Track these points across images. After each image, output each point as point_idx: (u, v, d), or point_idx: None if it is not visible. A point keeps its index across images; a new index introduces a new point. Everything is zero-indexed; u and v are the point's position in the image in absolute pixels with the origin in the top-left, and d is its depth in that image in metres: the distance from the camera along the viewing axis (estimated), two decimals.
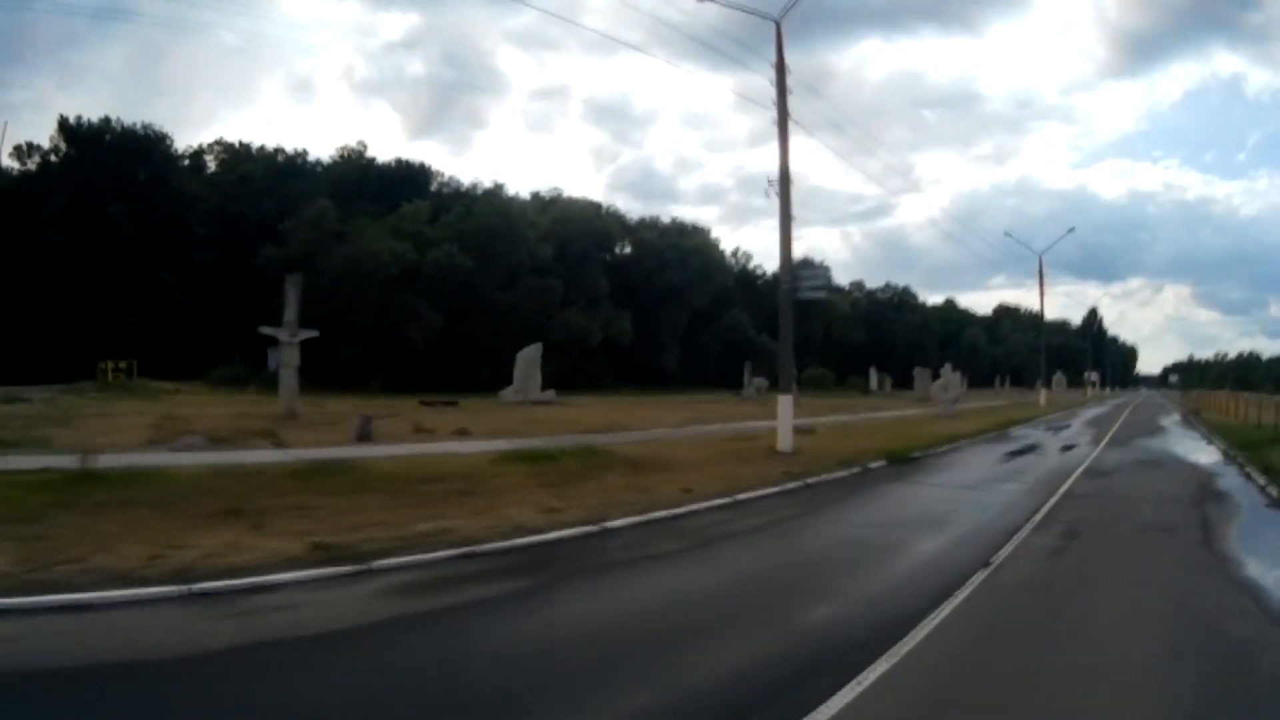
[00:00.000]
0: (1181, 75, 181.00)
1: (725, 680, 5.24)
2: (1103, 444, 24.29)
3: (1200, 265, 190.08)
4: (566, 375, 63.11)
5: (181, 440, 16.20)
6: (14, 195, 54.75)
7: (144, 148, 58.68)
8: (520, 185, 69.18)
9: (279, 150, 69.31)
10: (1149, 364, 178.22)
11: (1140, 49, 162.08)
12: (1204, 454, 22.45)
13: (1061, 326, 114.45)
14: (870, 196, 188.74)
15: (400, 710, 4.74)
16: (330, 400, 35.41)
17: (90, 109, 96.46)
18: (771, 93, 20.29)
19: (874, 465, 17.55)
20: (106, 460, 11.21)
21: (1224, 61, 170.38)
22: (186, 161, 65.44)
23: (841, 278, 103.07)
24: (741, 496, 12.89)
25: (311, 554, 7.96)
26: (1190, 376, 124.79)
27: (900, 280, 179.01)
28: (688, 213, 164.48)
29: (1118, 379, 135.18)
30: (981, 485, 15.17)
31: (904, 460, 18.56)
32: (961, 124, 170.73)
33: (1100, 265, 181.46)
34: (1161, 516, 11.75)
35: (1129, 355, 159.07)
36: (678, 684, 5.17)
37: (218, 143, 68.72)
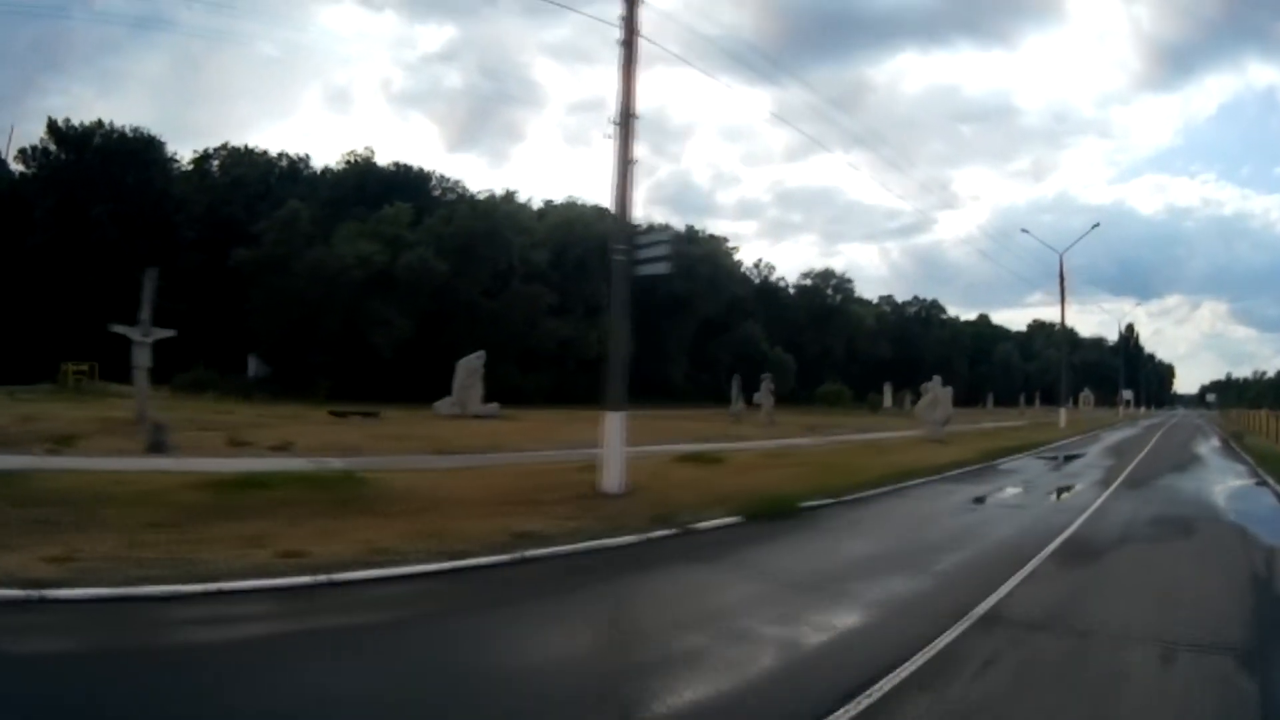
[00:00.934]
0: (1216, 88, 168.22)
1: None
2: (1114, 485, 16.73)
3: (1238, 281, 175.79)
4: (560, 388, 56.72)
5: None
6: (8, 197, 52.25)
7: (132, 151, 55.18)
8: (556, 199, 63.71)
9: (282, 155, 65.02)
10: (1186, 383, 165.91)
11: (1175, 61, 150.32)
12: (1256, 501, 15.07)
13: (1097, 343, 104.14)
14: (907, 212, 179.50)
15: None
16: (277, 408, 31.97)
17: (128, 117, 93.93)
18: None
19: (720, 522, 10.67)
20: None
21: (1258, 73, 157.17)
22: (190, 166, 61.62)
23: (875, 293, 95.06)
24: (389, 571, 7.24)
25: None
26: (1228, 395, 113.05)
27: (939, 297, 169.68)
28: (726, 227, 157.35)
29: (1153, 398, 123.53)
30: (832, 582, 7.89)
31: (782, 514, 11.58)
32: (998, 138, 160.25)
33: (1137, 282, 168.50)
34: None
35: (1165, 373, 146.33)
36: None
37: (223, 147, 64.38)
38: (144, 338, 22.36)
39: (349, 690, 4.69)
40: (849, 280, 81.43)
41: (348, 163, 64.43)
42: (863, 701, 4.55)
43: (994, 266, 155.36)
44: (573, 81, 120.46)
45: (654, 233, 19.51)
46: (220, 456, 14.41)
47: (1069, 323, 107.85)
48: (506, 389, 52.53)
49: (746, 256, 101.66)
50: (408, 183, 61.35)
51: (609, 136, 13.32)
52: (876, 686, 4.77)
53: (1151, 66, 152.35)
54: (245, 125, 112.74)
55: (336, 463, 13.83)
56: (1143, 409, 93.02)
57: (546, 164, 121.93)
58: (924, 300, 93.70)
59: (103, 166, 52.42)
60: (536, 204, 65.53)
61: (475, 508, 10.39)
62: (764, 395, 35.52)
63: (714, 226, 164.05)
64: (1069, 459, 23.52)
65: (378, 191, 57.63)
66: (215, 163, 62.95)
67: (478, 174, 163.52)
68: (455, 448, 18.25)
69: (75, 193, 50.66)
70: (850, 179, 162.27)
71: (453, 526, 8.96)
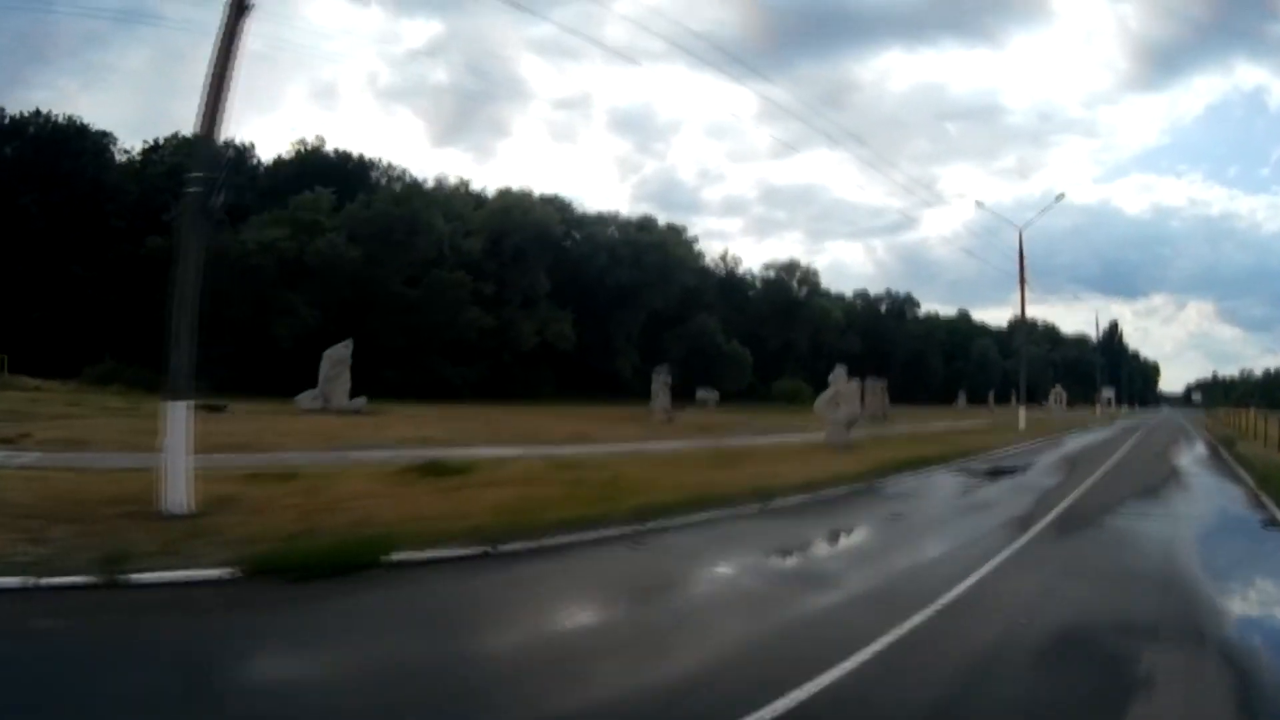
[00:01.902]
0: (1204, 88, 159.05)
1: None
2: (1036, 529, 9.66)
3: (1224, 281, 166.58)
4: (494, 381, 50.06)
5: None
6: None
7: (65, 140, 49.22)
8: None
9: (228, 144, 58.23)
10: (1171, 382, 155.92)
11: (1162, 61, 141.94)
12: (1271, 567, 8.17)
13: (1080, 341, 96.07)
14: (893, 210, 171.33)
15: None
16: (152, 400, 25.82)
17: (112, 110, 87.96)
18: None
19: (198, 574, 5.25)
20: None
21: (1246, 74, 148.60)
22: (139, 156, 55.33)
23: (859, 291, 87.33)
24: None
25: None
26: (1214, 394, 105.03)
27: (924, 295, 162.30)
28: (711, 224, 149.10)
29: (1138, 396, 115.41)
30: None
31: (341, 569, 5.09)
32: (984, 137, 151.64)
33: (1123, 281, 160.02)
34: None
35: (1151, 372, 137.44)
36: None
37: (174, 137, 57.90)
38: None
39: None
40: (815, 272, 74.07)
41: (298, 152, 58.52)
42: None
43: (979, 265, 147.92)
44: (558, 78, 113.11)
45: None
46: None
47: (1052, 319, 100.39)
48: (433, 382, 46.05)
49: (713, 248, 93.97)
50: (348, 170, 54.96)
51: None
52: None
53: (1138, 66, 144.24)
54: (230, 120, 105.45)
55: None
56: (1123, 408, 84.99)
57: (532, 159, 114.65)
58: (896, 294, 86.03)
59: (35, 156, 47.14)
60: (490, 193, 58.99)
61: None
62: (659, 390, 28.67)
63: (699, 223, 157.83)
64: (999, 475, 16.44)
65: (316, 179, 51.13)
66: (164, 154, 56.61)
67: (464, 170, 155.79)
68: (225, 446, 12.86)
69: (5, 182, 45.59)
70: (835, 176, 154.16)
71: None
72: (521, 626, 5.51)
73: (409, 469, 11.41)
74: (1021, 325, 38.31)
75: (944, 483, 14.59)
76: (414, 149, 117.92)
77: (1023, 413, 34.21)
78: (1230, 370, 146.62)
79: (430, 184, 53.96)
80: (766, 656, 4.82)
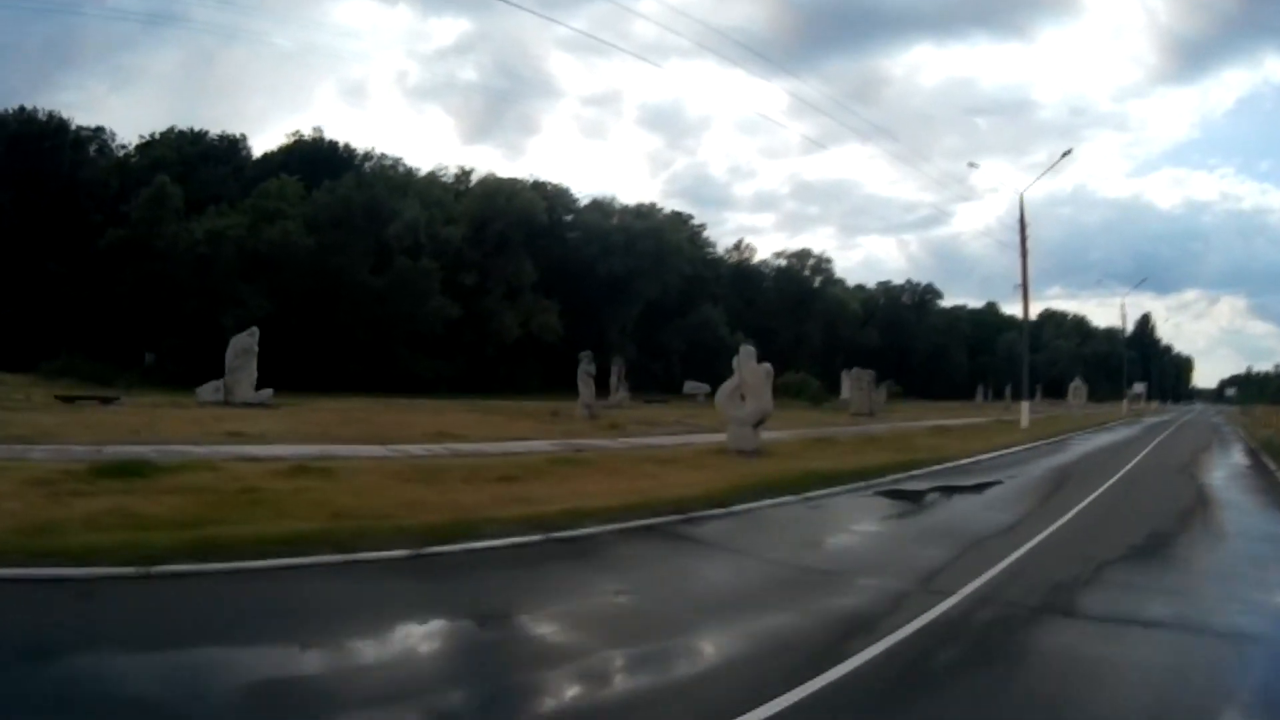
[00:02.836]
0: (1234, 81, 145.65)
1: None
2: (839, 675, 4.05)
3: (1256, 276, 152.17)
4: (472, 375, 45.13)
5: None
6: None
7: (42, 136, 46.11)
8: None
9: (223, 137, 54.86)
10: (1204, 377, 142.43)
11: (1191, 54, 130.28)
12: None
13: (1111, 335, 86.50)
14: (925, 204, 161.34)
15: None
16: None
17: (142, 113, 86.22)
18: None
19: None
20: None
21: (1276, 67, 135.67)
22: (135, 151, 52.14)
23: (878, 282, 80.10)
24: None
25: None
26: (1249, 390, 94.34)
27: (957, 290, 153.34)
28: (743, 220, 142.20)
29: (1170, 392, 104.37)
30: None
31: None
32: (1015, 131, 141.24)
33: (1155, 276, 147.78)
34: None
35: (1183, 367, 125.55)
36: None
37: (169, 131, 54.72)
38: None
39: None
40: (829, 260, 67.26)
41: (290, 143, 54.76)
42: None
43: (1011, 259, 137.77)
44: (588, 75, 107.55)
45: None
46: None
47: (1081, 311, 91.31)
48: (402, 376, 41.55)
49: (727, 239, 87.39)
50: (335, 160, 50.78)
51: None
52: None
53: (1168, 60, 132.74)
54: (261, 120, 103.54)
55: None
56: (1154, 403, 75.48)
57: (563, 156, 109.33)
58: (917, 285, 78.24)
59: (9, 153, 43.80)
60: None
61: None
62: (582, 382, 23.27)
63: (731, 219, 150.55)
64: (931, 503, 10.48)
65: (301, 170, 47.11)
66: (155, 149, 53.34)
67: (494, 167, 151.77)
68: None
69: None
70: (867, 172, 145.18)
71: None
72: None
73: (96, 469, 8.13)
74: (1025, 301, 31.27)
75: (805, 522, 8.73)
76: (445, 147, 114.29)
77: (1025, 409, 27.62)
78: (1264, 365, 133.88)
79: (405, 169, 49.14)
80: None
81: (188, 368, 35.36)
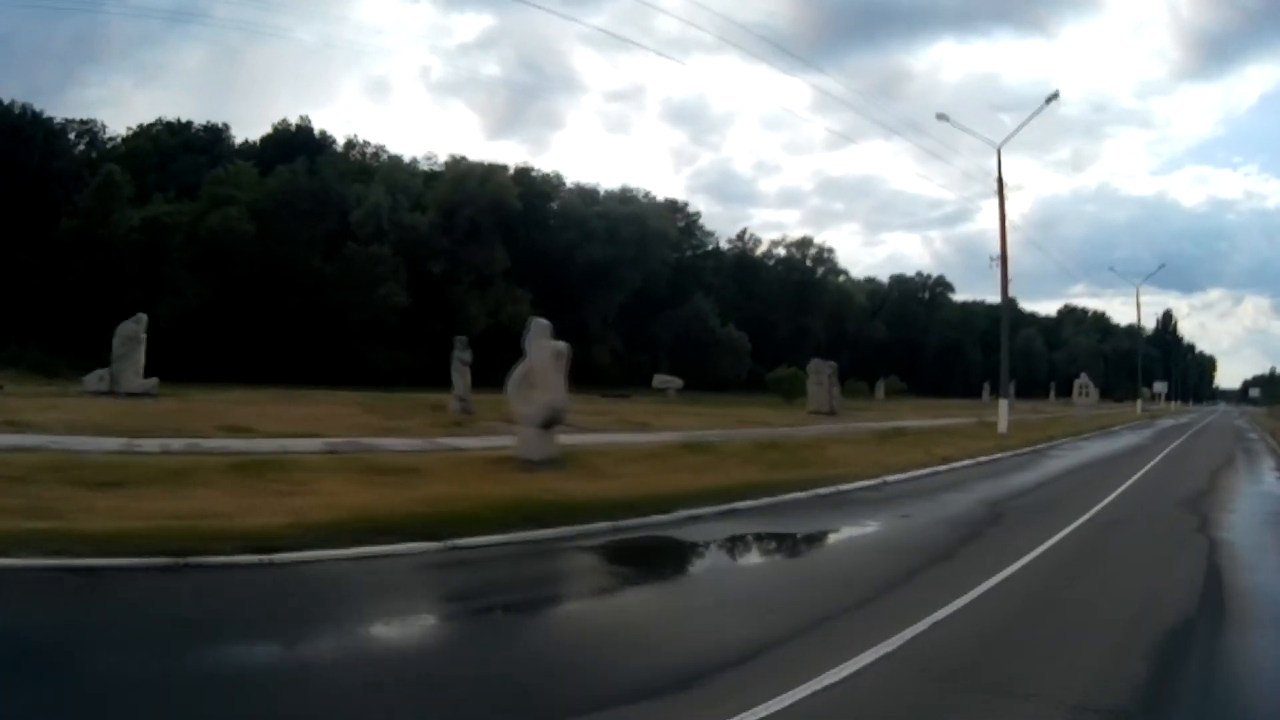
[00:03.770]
0: (1257, 77, 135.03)
1: None
2: None
3: None
4: (437, 367, 41.15)
5: None
6: None
7: (15, 127, 43.11)
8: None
9: (208, 127, 51.82)
10: (1228, 378, 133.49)
11: (1214, 50, 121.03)
12: None
13: (1131, 331, 78.87)
14: (950, 201, 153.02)
15: None
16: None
17: (167, 108, 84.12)
18: None
19: None
20: None
21: None
22: (122, 144, 49.37)
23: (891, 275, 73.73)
24: None
25: None
26: (1274, 390, 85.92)
27: (982, 288, 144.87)
28: (768, 216, 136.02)
29: (1193, 391, 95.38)
30: None
31: None
32: (1038, 128, 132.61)
33: (1179, 276, 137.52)
34: None
35: (1207, 366, 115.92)
36: None
37: (156, 122, 51.94)
38: None
39: None
40: (831, 250, 61.42)
41: (275, 130, 51.50)
42: None
43: (1036, 257, 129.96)
44: (611, 70, 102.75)
45: None
46: None
47: (1104, 310, 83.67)
48: (356, 366, 37.79)
49: (731, 229, 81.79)
50: (310, 148, 47.16)
51: None
52: None
53: (1191, 56, 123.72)
54: (284, 115, 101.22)
55: None
56: (1174, 403, 67.62)
57: (587, 151, 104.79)
58: (927, 277, 71.78)
59: None
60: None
61: None
62: (456, 372, 18.89)
63: (756, 215, 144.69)
64: (675, 572, 5.83)
65: (274, 157, 43.64)
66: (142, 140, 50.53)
67: (519, 162, 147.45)
68: None
69: None
70: (892, 168, 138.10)
71: None
72: None
73: None
74: (1004, 272, 23.67)
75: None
76: (469, 142, 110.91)
77: (1003, 409, 22.25)
78: None
79: (367, 154, 45.28)
80: None
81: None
